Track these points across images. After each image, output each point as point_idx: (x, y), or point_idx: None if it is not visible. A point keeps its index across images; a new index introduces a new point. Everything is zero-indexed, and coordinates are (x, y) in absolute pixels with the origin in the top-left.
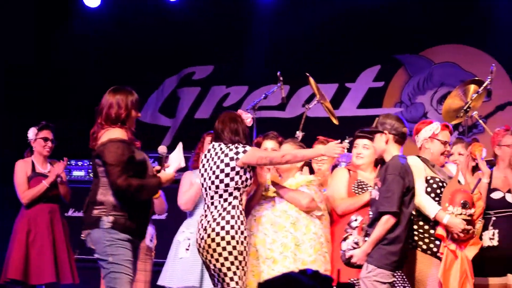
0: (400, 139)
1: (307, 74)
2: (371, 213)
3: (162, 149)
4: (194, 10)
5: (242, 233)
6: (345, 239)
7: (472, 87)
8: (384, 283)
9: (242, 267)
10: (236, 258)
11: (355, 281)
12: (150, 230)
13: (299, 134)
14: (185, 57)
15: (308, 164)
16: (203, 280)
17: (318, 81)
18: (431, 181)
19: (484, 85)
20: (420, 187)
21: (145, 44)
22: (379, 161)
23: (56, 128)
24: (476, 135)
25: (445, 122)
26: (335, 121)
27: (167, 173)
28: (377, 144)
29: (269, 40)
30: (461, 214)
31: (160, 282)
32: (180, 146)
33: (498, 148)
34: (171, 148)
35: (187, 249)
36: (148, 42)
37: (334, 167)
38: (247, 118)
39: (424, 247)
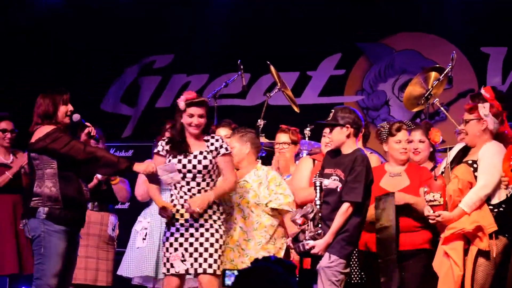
0: (359, 133)
1: (268, 63)
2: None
3: (76, 117)
4: None
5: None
6: (303, 231)
7: (433, 74)
8: (342, 273)
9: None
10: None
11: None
12: (112, 220)
13: (261, 122)
14: (145, 46)
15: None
16: (158, 269)
17: (279, 70)
18: None
19: (445, 72)
20: None
21: (105, 34)
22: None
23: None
24: (438, 122)
25: None
26: (296, 109)
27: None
28: (337, 137)
29: (229, 28)
30: (427, 201)
31: (118, 272)
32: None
33: None
34: (134, 138)
35: (144, 239)
36: (108, 31)
37: (296, 156)
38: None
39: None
